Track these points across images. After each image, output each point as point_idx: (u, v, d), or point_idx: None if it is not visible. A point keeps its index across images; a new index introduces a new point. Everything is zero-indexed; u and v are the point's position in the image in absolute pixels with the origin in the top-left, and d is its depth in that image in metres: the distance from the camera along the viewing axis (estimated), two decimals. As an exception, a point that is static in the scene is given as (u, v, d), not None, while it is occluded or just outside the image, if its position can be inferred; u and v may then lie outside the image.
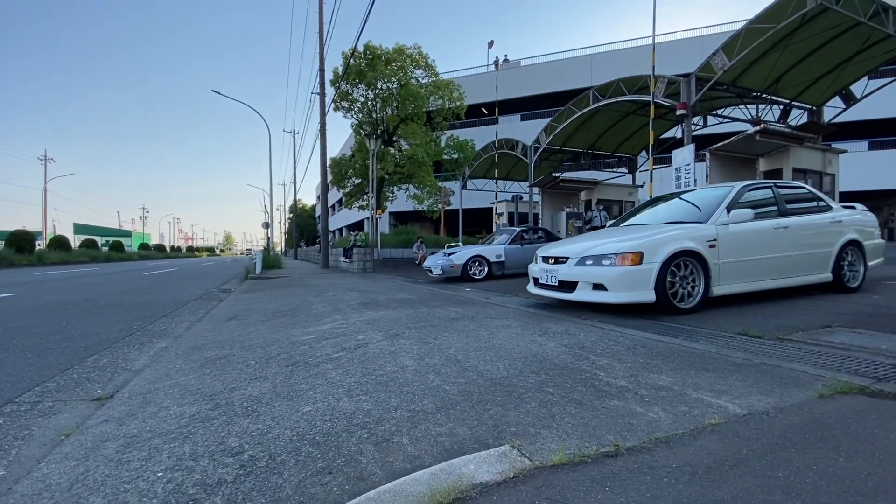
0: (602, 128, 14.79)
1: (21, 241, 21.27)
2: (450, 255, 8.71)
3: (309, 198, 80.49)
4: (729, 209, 4.36)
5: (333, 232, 43.99)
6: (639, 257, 3.94)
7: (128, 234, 62.95)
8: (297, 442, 1.60)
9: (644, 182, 16.61)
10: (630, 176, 17.24)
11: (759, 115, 11.93)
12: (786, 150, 9.03)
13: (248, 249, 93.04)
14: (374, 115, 20.46)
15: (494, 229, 16.89)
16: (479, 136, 23.43)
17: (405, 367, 2.46)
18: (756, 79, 10.56)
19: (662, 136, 15.13)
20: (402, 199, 22.15)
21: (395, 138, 20.59)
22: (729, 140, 8.90)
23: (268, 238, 27.50)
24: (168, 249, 62.72)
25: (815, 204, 5.04)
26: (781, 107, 11.94)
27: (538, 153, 14.32)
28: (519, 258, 9.00)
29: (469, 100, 22.31)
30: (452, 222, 28.68)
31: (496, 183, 20.77)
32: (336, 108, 19.96)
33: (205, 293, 8.21)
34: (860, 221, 5.23)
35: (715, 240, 4.15)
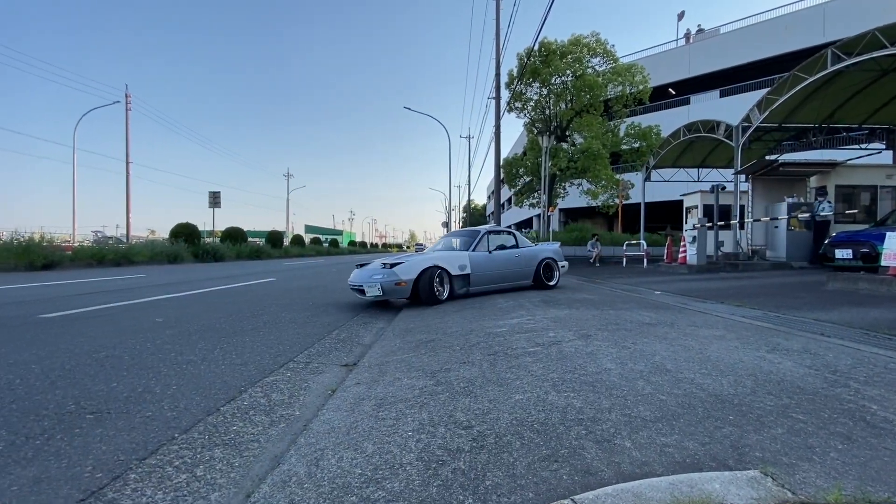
0: (844, 94, 11.58)
1: (275, 239, 29.59)
2: (392, 266, 5.72)
3: (480, 198, 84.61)
4: None
5: (504, 229, 45.19)
6: None
7: (340, 233, 77.56)
8: (517, 426, 1.73)
9: (915, 159, 12.43)
10: (890, 152, 13.10)
11: None
12: None
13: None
14: (547, 112, 20.21)
15: (685, 225, 14.88)
16: (666, 121, 20.95)
17: (608, 369, 2.40)
18: None
19: (950, 95, 11.02)
20: (574, 195, 21.29)
21: (567, 133, 19.97)
22: None
23: (446, 235, 30.12)
24: (368, 246, 76.06)
25: None
26: None
27: (748, 134, 12.01)
28: (488, 270, 6.49)
29: (654, 81, 20.17)
30: (630, 218, 26.38)
31: (692, 172, 18.30)
32: (510, 110, 20.39)
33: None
34: None
35: None
